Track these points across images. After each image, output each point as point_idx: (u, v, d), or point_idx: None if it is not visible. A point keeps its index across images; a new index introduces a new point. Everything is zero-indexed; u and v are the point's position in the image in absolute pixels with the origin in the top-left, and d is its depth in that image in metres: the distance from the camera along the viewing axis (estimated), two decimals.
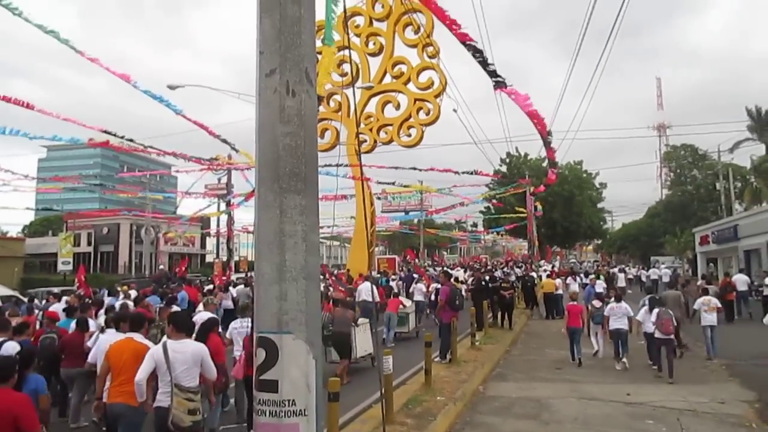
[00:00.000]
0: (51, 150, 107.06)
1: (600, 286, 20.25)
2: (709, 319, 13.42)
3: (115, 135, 21.12)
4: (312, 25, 3.42)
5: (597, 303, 14.06)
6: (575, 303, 14.11)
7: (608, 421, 8.44)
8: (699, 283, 17.84)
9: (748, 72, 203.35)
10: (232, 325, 9.28)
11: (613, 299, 13.29)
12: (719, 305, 14.04)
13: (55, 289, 21.06)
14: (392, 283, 22.31)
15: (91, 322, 9.65)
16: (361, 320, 12.51)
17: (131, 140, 21.75)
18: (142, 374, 5.59)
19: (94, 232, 59.31)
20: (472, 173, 33.55)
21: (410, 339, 16.41)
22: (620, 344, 12.43)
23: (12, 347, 7.01)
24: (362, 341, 12.13)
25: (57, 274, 44.17)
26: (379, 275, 26.76)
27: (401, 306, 16.78)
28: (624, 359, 12.35)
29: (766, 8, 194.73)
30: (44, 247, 55.59)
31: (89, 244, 59.54)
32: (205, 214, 45.63)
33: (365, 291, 16.40)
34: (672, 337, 11.50)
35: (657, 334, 11.48)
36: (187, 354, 5.71)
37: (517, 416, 8.78)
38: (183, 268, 26.50)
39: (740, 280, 21.07)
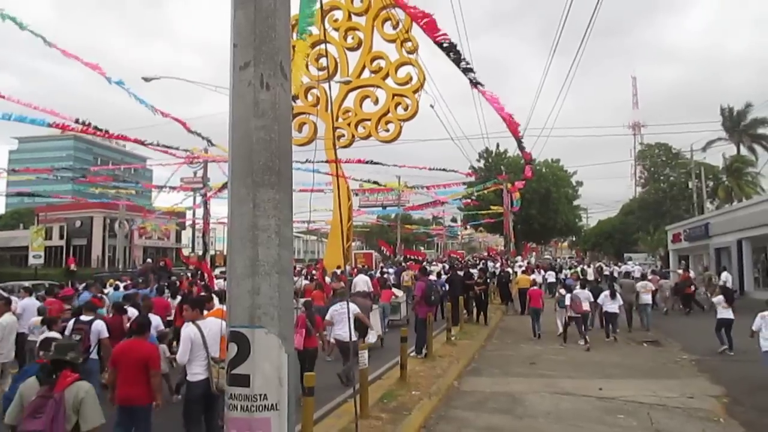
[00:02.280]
0: (23, 142, 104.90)
1: (552, 276, 24.44)
2: (645, 298, 17.00)
3: (86, 125, 20.69)
4: (287, 18, 3.39)
5: (562, 291, 16.26)
6: (536, 288, 17.61)
7: (581, 415, 8.55)
8: (651, 277, 20.56)
9: (724, 72, 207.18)
10: (333, 308, 10.79)
11: (578, 286, 15.85)
12: (653, 288, 18.03)
13: (26, 283, 20.63)
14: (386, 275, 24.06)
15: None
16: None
17: (97, 127, 21.24)
18: (185, 356, 6.38)
19: (67, 226, 58.23)
20: (449, 170, 33.73)
21: (394, 330, 16.34)
22: (583, 324, 14.75)
23: (101, 324, 8.20)
24: (374, 325, 13.29)
25: (28, 268, 43.20)
26: (356, 269, 26.71)
27: (393, 296, 17.82)
28: (587, 337, 14.51)
29: (742, 9, 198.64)
30: (14, 241, 54.54)
31: (61, 237, 58.46)
32: (179, 208, 44.95)
33: (361, 283, 17.61)
34: (581, 315, 14.58)
35: (571, 313, 14.60)
36: (215, 330, 6.35)
37: (491, 411, 8.84)
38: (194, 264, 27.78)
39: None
